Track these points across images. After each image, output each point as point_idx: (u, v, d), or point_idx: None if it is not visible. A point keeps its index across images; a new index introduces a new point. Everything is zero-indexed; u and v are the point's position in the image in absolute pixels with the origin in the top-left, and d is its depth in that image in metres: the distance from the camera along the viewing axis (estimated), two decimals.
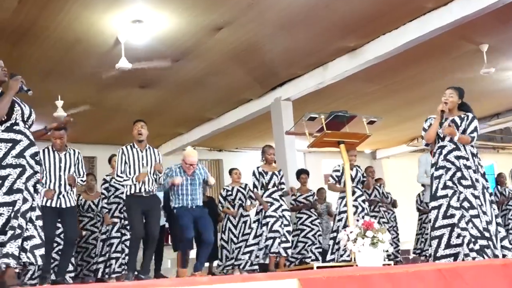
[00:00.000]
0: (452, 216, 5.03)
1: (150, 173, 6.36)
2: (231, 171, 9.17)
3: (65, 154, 6.28)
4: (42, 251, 3.91)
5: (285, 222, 7.70)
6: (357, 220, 4.83)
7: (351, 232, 4.55)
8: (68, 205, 6.20)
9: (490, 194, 5.29)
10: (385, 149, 16.92)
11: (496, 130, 15.27)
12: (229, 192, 8.78)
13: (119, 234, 7.83)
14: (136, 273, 6.36)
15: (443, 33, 7.84)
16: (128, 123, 6.60)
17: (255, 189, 7.84)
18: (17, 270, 3.79)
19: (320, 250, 9.15)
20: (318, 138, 5.64)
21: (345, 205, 7.37)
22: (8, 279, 3.65)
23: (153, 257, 8.53)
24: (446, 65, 9.70)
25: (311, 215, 9.27)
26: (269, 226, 7.60)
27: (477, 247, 4.95)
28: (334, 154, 11.58)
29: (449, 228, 5.02)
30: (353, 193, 7.45)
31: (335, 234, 7.45)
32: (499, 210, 9.50)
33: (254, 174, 7.84)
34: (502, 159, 17.60)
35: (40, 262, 3.89)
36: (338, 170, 7.72)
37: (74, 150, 6.40)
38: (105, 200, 7.95)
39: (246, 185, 8.87)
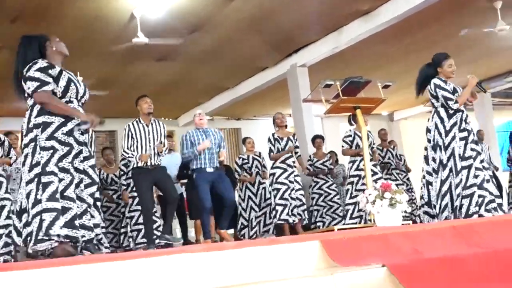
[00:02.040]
0: (477, 176, 5.22)
1: (153, 149, 6.49)
2: (244, 140, 9.30)
3: None
4: (93, 221, 4.05)
5: (297, 187, 7.93)
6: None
7: (369, 195, 4.69)
8: None
9: None
10: (403, 110, 16.90)
11: None
12: (245, 161, 8.92)
13: (139, 207, 7.97)
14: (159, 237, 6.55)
15: None
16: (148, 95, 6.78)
17: (272, 153, 8.02)
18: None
19: (340, 212, 9.27)
20: (334, 105, 5.73)
21: (356, 169, 7.52)
22: (61, 251, 3.84)
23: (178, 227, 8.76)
24: (460, 23, 9.62)
25: (328, 180, 9.30)
26: (280, 193, 7.80)
27: (494, 205, 5.20)
28: None
29: (477, 187, 5.20)
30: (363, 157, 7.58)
31: (353, 199, 7.54)
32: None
33: (269, 140, 8.04)
34: None
35: (95, 232, 4.04)
36: (350, 136, 7.78)
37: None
38: (124, 177, 8.05)
39: (260, 153, 9.02)
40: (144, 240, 7.74)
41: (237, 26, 8.91)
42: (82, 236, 3.90)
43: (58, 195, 3.81)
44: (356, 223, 7.39)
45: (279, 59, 10.90)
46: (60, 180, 3.85)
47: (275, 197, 7.96)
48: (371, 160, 7.67)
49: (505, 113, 17.33)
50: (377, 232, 3.23)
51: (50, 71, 4.02)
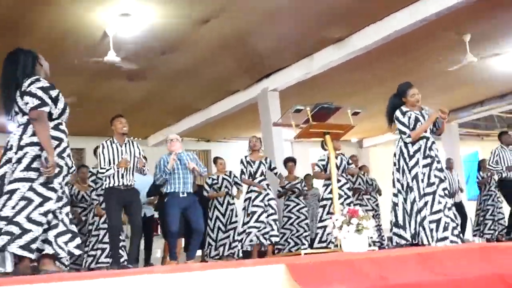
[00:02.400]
0: (440, 203, 5.29)
1: (130, 162, 6.41)
2: (215, 160, 9.29)
3: None
4: (74, 243, 3.99)
5: (271, 211, 7.92)
6: (343, 208, 5.00)
7: (336, 220, 4.70)
8: None
9: None
10: (372, 137, 17.03)
11: (480, 118, 15.50)
12: (215, 181, 8.93)
13: (106, 226, 7.85)
14: (124, 263, 6.46)
15: (428, 23, 7.96)
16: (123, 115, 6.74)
17: (243, 176, 8.03)
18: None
19: (308, 237, 9.28)
20: (304, 130, 5.76)
21: (329, 192, 7.63)
22: (23, 268, 3.74)
23: (143, 248, 8.65)
24: (430, 54, 9.83)
25: (298, 203, 9.39)
26: (255, 216, 7.80)
27: (457, 232, 5.29)
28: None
29: (442, 214, 5.27)
30: (338, 181, 7.64)
31: (323, 223, 7.60)
32: (481, 193, 9.94)
33: (242, 162, 8.09)
34: (486, 146, 17.81)
35: (76, 252, 4.00)
36: (323, 160, 7.98)
37: None
38: (95, 192, 8.00)
39: (230, 172, 9.02)
40: (107, 259, 7.64)
41: (210, 48, 8.93)
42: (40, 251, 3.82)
43: (35, 214, 3.74)
44: (326, 246, 7.45)
45: (251, 82, 10.95)
46: (44, 198, 3.78)
47: (250, 219, 7.88)
48: (346, 183, 7.85)
49: (472, 143, 17.64)
50: (343, 257, 3.23)
51: (51, 92, 3.98)
